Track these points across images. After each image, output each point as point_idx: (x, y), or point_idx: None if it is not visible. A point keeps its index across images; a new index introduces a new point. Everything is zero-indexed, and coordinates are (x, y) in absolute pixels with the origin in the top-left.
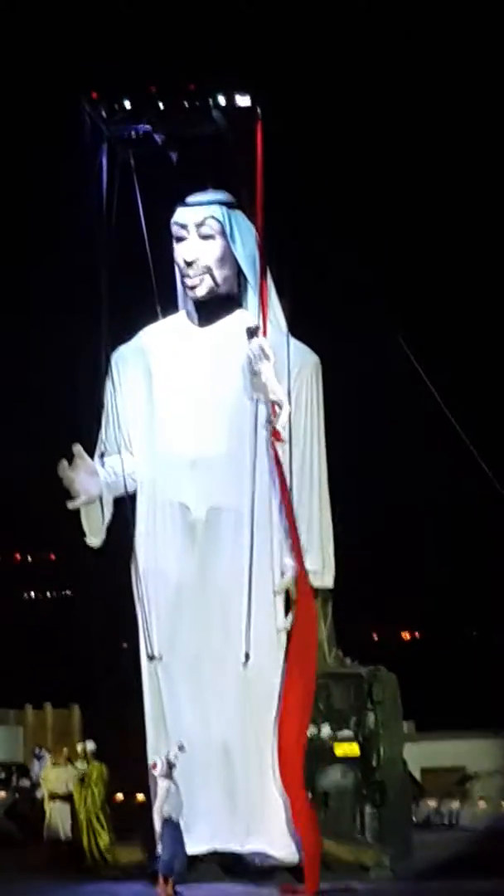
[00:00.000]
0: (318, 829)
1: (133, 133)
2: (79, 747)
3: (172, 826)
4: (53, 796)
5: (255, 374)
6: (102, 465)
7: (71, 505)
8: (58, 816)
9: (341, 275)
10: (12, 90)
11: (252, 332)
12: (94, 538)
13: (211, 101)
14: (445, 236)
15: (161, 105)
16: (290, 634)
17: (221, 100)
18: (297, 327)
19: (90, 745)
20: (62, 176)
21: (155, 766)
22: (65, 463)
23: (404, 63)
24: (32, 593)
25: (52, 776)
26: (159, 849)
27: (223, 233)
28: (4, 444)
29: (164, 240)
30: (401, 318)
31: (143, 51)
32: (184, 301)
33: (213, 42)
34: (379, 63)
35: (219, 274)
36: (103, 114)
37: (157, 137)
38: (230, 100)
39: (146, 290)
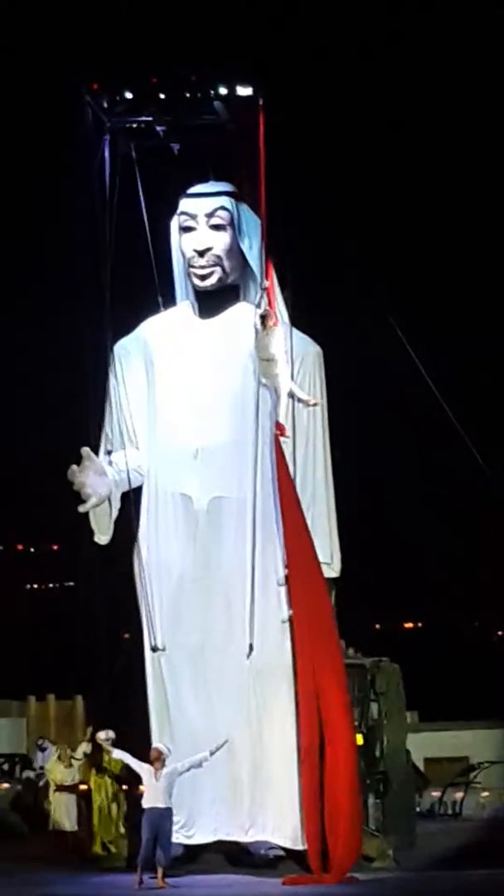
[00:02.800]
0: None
1: (134, 124)
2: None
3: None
4: (59, 788)
5: (269, 359)
6: (110, 462)
7: (82, 508)
8: (63, 808)
9: (344, 265)
10: (12, 81)
11: (264, 318)
12: (104, 536)
13: (212, 91)
14: (448, 227)
15: (162, 96)
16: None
17: (223, 90)
18: (299, 318)
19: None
20: (63, 167)
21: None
22: (74, 467)
23: (407, 52)
24: (35, 584)
25: (58, 768)
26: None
27: (232, 223)
28: (7, 436)
29: (166, 231)
30: (402, 309)
31: (144, 41)
32: (185, 292)
33: (214, 32)
34: (381, 52)
35: (228, 264)
36: (104, 105)
37: (159, 128)
38: (232, 90)
39: (148, 281)
